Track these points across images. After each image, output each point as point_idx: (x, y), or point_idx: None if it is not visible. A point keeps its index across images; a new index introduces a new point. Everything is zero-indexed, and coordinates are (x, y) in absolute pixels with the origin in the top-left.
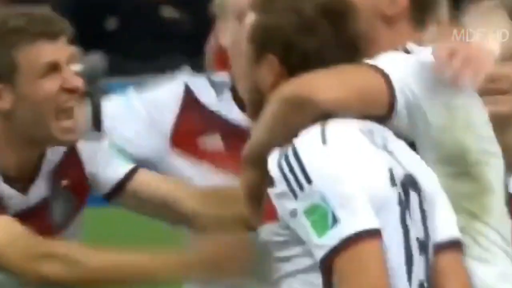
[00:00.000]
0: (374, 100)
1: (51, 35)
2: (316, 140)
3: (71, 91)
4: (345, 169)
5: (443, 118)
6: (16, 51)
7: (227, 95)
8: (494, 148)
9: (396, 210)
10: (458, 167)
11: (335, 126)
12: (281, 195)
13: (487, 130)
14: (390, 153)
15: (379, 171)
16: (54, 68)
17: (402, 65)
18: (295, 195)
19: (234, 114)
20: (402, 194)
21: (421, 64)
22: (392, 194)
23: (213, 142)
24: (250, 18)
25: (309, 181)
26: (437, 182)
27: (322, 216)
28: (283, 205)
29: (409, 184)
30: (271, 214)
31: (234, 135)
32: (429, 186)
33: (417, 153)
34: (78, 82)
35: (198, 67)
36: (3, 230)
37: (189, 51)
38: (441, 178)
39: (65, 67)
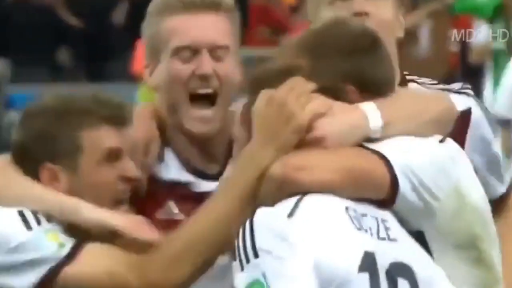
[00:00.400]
0: (371, 184)
1: (118, 121)
2: (282, 213)
3: (128, 181)
4: (297, 249)
5: (453, 202)
6: (81, 133)
7: (168, 152)
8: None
9: None
10: (472, 252)
11: (314, 199)
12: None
13: (489, 213)
14: (393, 240)
15: (344, 252)
16: (115, 155)
17: (403, 148)
18: (242, 267)
19: (182, 175)
20: (380, 280)
21: (424, 146)
22: (359, 279)
23: (169, 211)
24: None
25: (256, 255)
26: (440, 273)
27: None
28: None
29: (397, 272)
30: None
31: (187, 198)
32: (427, 276)
33: (426, 239)
34: (137, 173)
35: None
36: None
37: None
38: (458, 262)
39: (125, 156)
